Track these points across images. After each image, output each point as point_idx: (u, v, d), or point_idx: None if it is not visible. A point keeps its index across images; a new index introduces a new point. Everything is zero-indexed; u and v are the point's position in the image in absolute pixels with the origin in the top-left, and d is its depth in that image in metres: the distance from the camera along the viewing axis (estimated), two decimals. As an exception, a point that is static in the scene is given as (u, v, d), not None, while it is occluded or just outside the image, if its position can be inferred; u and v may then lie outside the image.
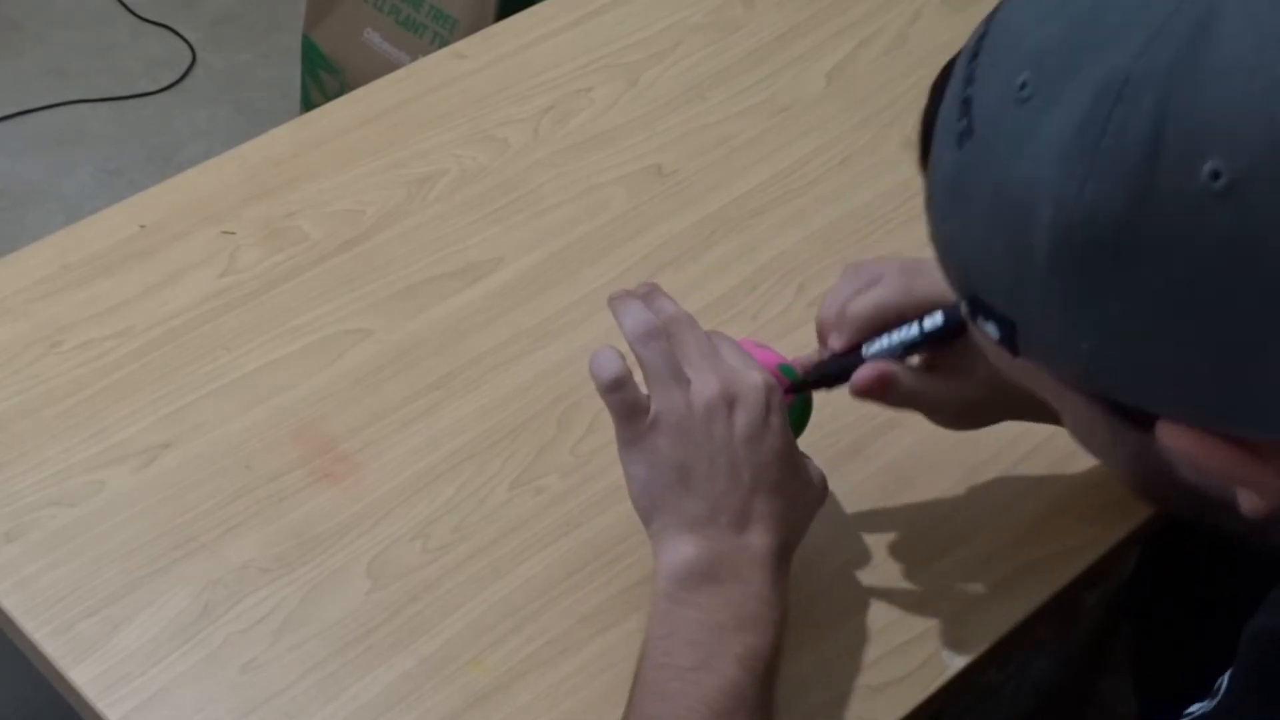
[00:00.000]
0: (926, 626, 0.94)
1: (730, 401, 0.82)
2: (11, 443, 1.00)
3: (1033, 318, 0.58)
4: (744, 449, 0.82)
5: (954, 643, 0.93)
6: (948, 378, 0.88)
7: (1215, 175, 0.51)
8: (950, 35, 1.36)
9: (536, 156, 1.22)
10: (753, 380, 0.83)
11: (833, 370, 0.89)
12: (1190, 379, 0.55)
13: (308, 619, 0.92)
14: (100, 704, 0.87)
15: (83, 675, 0.89)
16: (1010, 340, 0.60)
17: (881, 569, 0.97)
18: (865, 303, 0.87)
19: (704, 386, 0.82)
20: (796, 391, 0.89)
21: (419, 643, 0.91)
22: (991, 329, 0.60)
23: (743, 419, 0.82)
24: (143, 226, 1.14)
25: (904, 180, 1.22)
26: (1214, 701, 0.65)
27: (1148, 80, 0.53)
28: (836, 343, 0.88)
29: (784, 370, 0.89)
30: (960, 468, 1.02)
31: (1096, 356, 0.57)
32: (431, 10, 2.11)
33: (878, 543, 0.98)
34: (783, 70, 1.32)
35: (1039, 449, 1.03)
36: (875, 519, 0.98)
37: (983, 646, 0.93)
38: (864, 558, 0.97)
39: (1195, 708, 0.66)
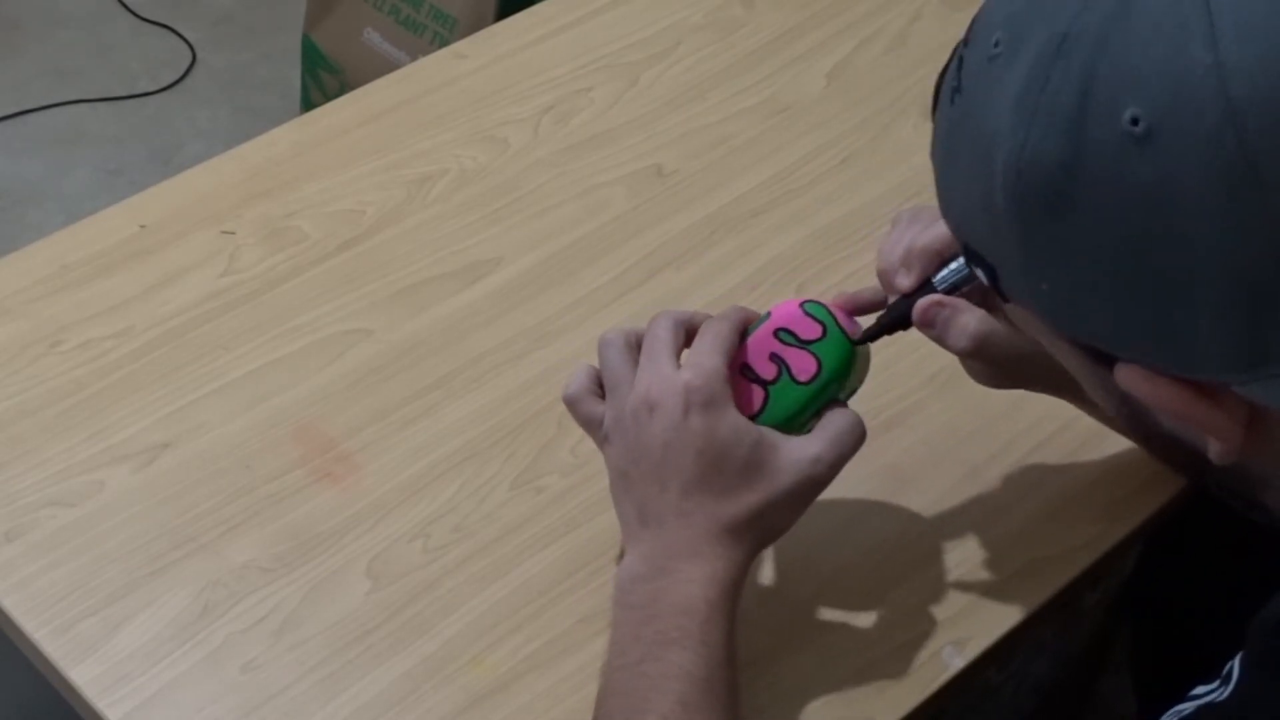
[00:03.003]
0: (926, 626, 0.94)
1: (651, 406, 0.84)
2: (11, 443, 1.00)
3: (1005, 262, 0.63)
4: (661, 452, 0.83)
5: (954, 643, 0.93)
6: (1006, 320, 0.87)
7: (1135, 121, 0.56)
8: (950, 35, 1.36)
9: (536, 156, 1.22)
10: (674, 384, 0.83)
11: (903, 310, 0.87)
12: (1128, 322, 0.59)
13: (308, 619, 0.92)
14: (100, 704, 0.87)
15: (83, 675, 0.89)
16: (996, 284, 0.64)
17: (881, 569, 0.96)
18: (935, 235, 0.87)
19: (634, 392, 0.85)
20: (869, 340, 0.87)
21: (419, 643, 0.91)
22: (982, 274, 0.65)
23: (658, 423, 0.83)
24: (143, 226, 1.14)
25: (904, 180, 1.22)
26: (1227, 687, 0.65)
27: (1081, 38, 0.57)
28: (905, 281, 0.87)
29: (810, 308, 0.87)
30: (960, 468, 1.02)
31: (1053, 299, 0.61)
32: (431, 10, 2.11)
33: (878, 543, 0.98)
34: (783, 70, 1.32)
35: (1039, 449, 1.03)
36: (875, 519, 0.98)
37: (983, 646, 0.93)
38: (864, 558, 0.97)
39: (1201, 689, 0.66)
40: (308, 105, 2.29)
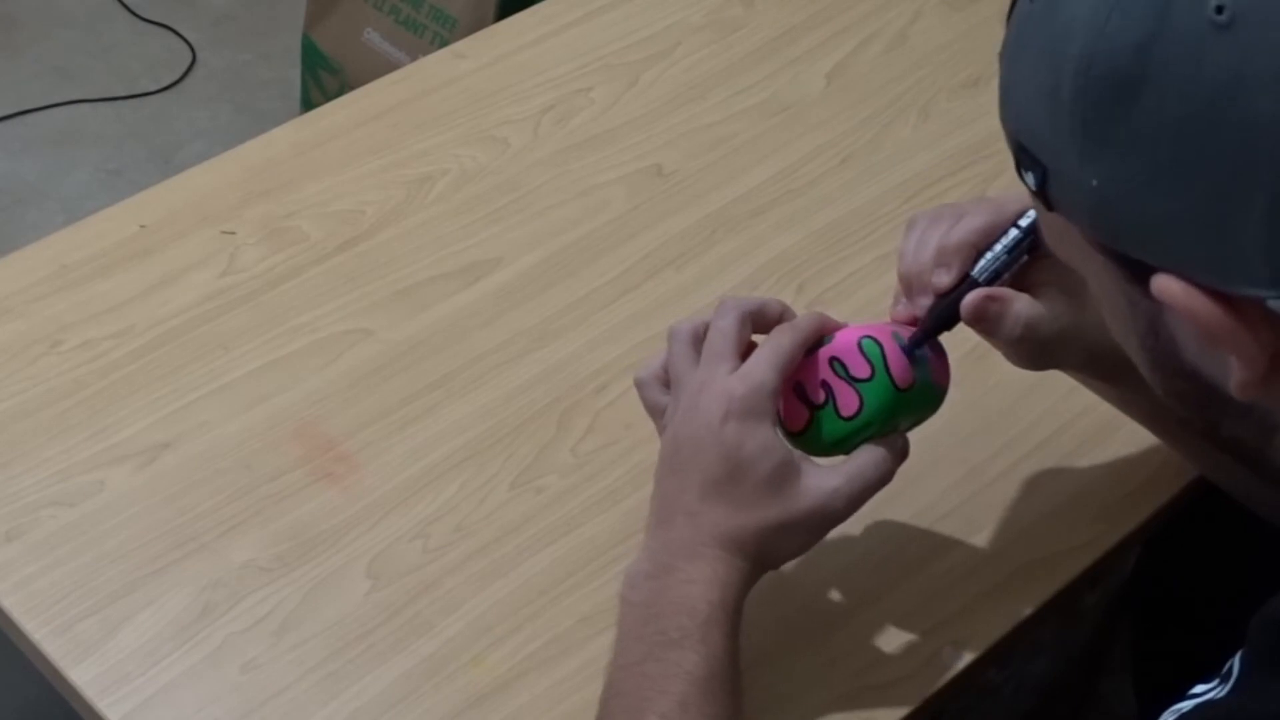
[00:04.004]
0: (927, 626, 0.94)
1: (695, 405, 0.84)
2: (11, 443, 1.00)
3: (1058, 158, 0.63)
4: (690, 449, 0.84)
5: (954, 643, 0.93)
6: (1045, 297, 0.87)
7: (1219, 9, 0.57)
8: (950, 35, 1.36)
9: (536, 156, 1.22)
10: (719, 388, 0.84)
11: (949, 309, 0.86)
12: (1181, 223, 0.60)
13: (308, 619, 0.92)
14: (100, 704, 0.87)
15: (83, 675, 0.89)
16: (1043, 188, 0.65)
17: (882, 569, 0.97)
18: (967, 229, 0.87)
19: (686, 390, 0.85)
20: (918, 346, 0.86)
21: (419, 643, 0.91)
22: (1030, 179, 0.65)
23: (696, 422, 0.84)
24: (143, 226, 1.14)
25: (904, 180, 1.22)
26: (1227, 685, 0.65)
27: None
28: (944, 279, 0.87)
29: (865, 345, 0.86)
30: (960, 468, 1.02)
31: (1101, 196, 0.62)
32: (431, 10, 2.11)
33: (878, 542, 0.98)
34: (783, 70, 1.32)
35: (1039, 449, 1.03)
36: (876, 519, 0.98)
37: (983, 646, 0.93)
38: (864, 557, 0.97)
39: (1200, 688, 0.66)
40: (308, 105, 2.29)
